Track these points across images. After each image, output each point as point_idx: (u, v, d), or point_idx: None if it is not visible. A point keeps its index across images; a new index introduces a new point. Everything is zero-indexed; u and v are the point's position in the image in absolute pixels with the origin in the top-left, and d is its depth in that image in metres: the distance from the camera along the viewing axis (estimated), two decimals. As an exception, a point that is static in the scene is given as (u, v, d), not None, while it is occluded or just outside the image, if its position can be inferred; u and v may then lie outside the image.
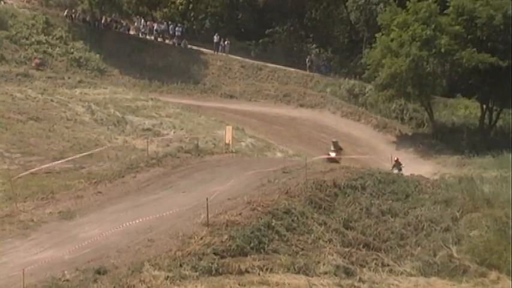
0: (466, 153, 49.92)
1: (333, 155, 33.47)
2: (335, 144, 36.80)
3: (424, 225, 25.53)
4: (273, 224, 22.55)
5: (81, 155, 32.01)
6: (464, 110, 58.03)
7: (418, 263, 22.90)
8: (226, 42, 63.87)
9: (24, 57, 54.11)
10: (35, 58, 54.38)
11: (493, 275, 22.77)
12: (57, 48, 57.03)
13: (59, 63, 55.59)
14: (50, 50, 56.41)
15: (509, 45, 52.37)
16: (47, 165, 30.13)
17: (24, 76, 49.20)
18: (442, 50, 52.01)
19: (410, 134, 55.76)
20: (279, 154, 43.35)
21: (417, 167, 42.29)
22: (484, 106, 55.93)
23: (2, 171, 29.55)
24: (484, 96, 55.63)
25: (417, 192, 28.05)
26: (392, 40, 53.13)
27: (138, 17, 64.35)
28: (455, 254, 23.72)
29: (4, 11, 57.34)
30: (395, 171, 34.85)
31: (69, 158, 31.36)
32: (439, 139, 53.34)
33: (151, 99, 51.10)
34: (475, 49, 52.11)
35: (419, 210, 26.45)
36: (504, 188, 30.48)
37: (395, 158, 38.11)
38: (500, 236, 24.47)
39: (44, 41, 56.92)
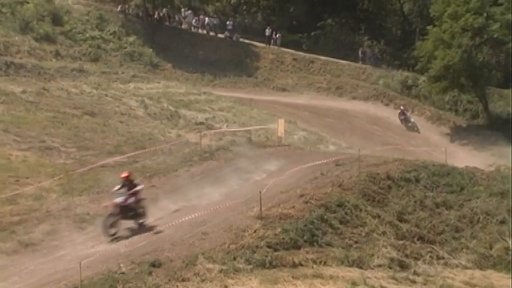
0: (522, 145, 49.22)
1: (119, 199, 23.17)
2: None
3: (479, 217, 25.23)
4: (326, 217, 22.52)
5: (139, 151, 32.34)
6: (519, 101, 57.16)
7: (474, 256, 22.67)
8: (278, 35, 63.83)
9: (78, 52, 54.73)
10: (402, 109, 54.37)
11: (551, 267, 22.44)
12: (111, 43, 57.60)
13: (112, 58, 56.14)
14: (103, 45, 56.97)
15: None
16: (104, 162, 30.53)
17: (79, 71, 49.76)
18: (495, 35, 51.34)
19: (464, 125, 55.12)
20: (331, 147, 43.22)
21: (472, 158, 41.84)
22: (541, 96, 55.05)
23: (58, 165, 30.02)
24: (540, 86, 54.74)
25: (472, 184, 27.73)
26: (444, 31, 52.59)
27: (189, 10, 64.54)
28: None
29: (59, 7, 58.07)
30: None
31: (128, 155, 31.72)
32: (494, 130, 52.63)
33: (204, 93, 51.36)
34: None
35: (474, 202, 26.15)
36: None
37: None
38: (557, 228, 24.09)
39: (98, 37, 57.53)
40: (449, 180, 27.81)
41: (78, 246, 21.91)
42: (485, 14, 51.51)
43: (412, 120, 52.64)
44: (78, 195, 26.55)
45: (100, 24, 59.05)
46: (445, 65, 51.72)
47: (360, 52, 63.32)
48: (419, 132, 50.71)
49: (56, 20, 56.68)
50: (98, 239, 22.19)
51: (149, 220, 23.55)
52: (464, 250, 23.05)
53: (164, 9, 63.04)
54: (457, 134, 53.06)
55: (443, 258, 22.23)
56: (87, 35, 57.10)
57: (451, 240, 23.65)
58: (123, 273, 18.59)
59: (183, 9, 64.44)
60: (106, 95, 45.08)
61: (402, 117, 53.07)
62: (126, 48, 57.78)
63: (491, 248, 23.33)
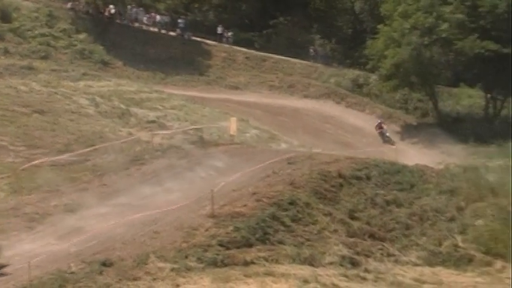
0: (470, 143, 49.87)
1: None
2: None
3: (429, 215, 25.53)
4: (278, 215, 22.57)
5: (88, 149, 32.04)
6: (468, 100, 57.98)
7: (424, 253, 22.96)
8: (229, 34, 63.69)
9: (28, 49, 53.97)
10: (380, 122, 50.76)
11: (498, 264, 22.83)
12: (61, 41, 56.89)
13: (62, 56, 55.46)
14: (53, 42, 56.25)
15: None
16: (53, 158, 30.17)
17: (28, 69, 49.05)
18: (443, 35, 51.97)
19: (414, 123, 55.70)
20: (283, 145, 43.30)
21: (422, 156, 42.25)
22: (488, 95, 55.92)
23: (7, 164, 29.63)
24: (487, 85, 55.57)
25: (422, 182, 28.02)
26: (394, 30, 53.06)
27: (140, 8, 64.06)
28: (460, 244, 23.76)
29: (8, 3, 57.15)
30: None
31: (77, 152, 31.40)
32: (444, 129, 53.25)
33: (156, 91, 51.02)
34: (478, 37, 52.07)
35: (424, 200, 26.45)
36: (509, 177, 30.45)
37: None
38: (505, 225, 24.48)
39: (48, 34, 56.76)
40: (400, 178, 28.06)
41: (27, 245, 21.59)
42: (434, 14, 52.10)
43: (387, 134, 51.74)
44: (27, 194, 26.20)
45: (50, 21, 58.27)
46: (395, 63, 52.23)
47: (311, 50, 63.54)
48: (394, 146, 49.66)
49: (5, 17, 55.81)
50: (47, 239, 21.92)
51: (100, 221, 23.27)
52: (414, 247, 23.32)
53: (111, 6, 62.33)
54: (408, 132, 53.58)
55: (393, 255, 22.48)
56: (37, 32, 56.33)
57: (401, 237, 23.90)
58: (73, 272, 18.42)
59: (129, 6, 63.83)
60: (56, 93, 44.54)
61: (379, 130, 51.93)
62: (76, 45, 57.10)
63: (440, 245, 23.66)
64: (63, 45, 56.47)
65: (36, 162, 28.84)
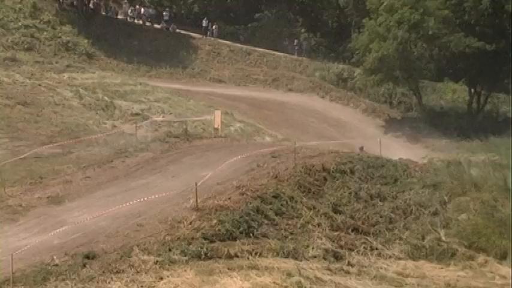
0: (454, 137, 50.11)
1: None
2: None
3: (412, 209, 25.58)
4: (262, 208, 22.58)
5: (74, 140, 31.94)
6: (452, 94, 58.26)
7: (407, 247, 23.01)
8: (214, 27, 63.68)
9: (11, 41, 53.61)
10: None
11: (481, 258, 22.91)
12: (45, 33, 56.57)
13: (46, 48, 55.15)
14: (37, 34, 55.93)
15: (496, 30, 52.66)
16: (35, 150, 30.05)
17: (11, 60, 48.76)
18: (430, 32, 52.09)
19: (399, 118, 55.88)
20: (268, 138, 43.34)
21: (406, 150, 42.42)
22: (472, 90, 56.16)
23: (-10, 156, 29.46)
24: (472, 80, 55.82)
25: (406, 176, 28.07)
26: (380, 24, 53.10)
27: (125, 1, 63.95)
28: (443, 238, 23.83)
29: (-9, -5, 56.92)
30: None
31: (60, 143, 31.28)
32: (428, 123, 53.50)
33: (140, 83, 50.87)
34: (462, 33, 52.23)
35: (407, 194, 26.49)
36: (492, 172, 30.60)
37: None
38: (488, 220, 24.58)
39: (32, 25, 56.43)
40: (384, 172, 28.12)
41: (10, 238, 21.51)
42: (421, 10, 52.15)
43: None
44: (10, 187, 26.08)
45: (34, 13, 57.95)
46: (379, 57, 52.28)
47: (295, 44, 63.59)
48: None
49: (-12, 8, 55.52)
50: (30, 231, 21.84)
51: (83, 214, 23.22)
52: (397, 241, 23.37)
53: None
54: (392, 126, 53.78)
55: (376, 249, 22.52)
56: (20, 23, 55.97)
57: (384, 231, 23.95)
58: (57, 265, 18.38)
59: (124, 3, 63.54)
60: (39, 85, 44.33)
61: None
62: (60, 37, 56.81)
63: (423, 239, 23.72)
64: (47, 37, 56.18)
65: (23, 157, 28.70)
